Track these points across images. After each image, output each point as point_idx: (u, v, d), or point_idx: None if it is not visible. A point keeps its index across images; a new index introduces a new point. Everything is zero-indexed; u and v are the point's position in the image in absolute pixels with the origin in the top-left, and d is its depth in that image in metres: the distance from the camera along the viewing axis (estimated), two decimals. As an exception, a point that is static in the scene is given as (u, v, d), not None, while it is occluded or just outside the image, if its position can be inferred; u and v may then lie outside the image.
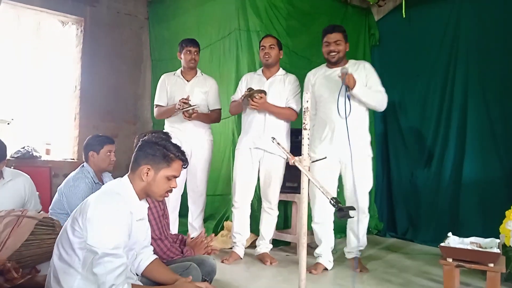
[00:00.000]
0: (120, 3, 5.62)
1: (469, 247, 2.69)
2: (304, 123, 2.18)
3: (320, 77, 3.42)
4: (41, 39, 5.19)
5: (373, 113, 5.03)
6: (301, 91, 3.55)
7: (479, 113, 4.29)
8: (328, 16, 4.85)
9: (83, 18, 5.31)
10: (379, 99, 3.30)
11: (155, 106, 3.90)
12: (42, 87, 5.19)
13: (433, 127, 4.67)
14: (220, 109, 3.88)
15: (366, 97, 3.23)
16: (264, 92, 3.43)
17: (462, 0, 4.50)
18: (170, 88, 3.83)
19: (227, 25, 4.60)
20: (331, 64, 3.38)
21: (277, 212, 3.68)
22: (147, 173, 1.95)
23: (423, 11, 4.83)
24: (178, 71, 3.90)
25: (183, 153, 2.04)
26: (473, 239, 2.84)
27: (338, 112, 3.12)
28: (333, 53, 3.31)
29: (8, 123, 4.73)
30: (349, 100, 3.13)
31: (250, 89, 3.43)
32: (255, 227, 3.85)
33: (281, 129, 3.57)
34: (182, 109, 3.56)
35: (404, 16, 4.08)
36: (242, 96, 3.48)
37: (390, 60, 5.10)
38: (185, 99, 3.57)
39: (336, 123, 3.24)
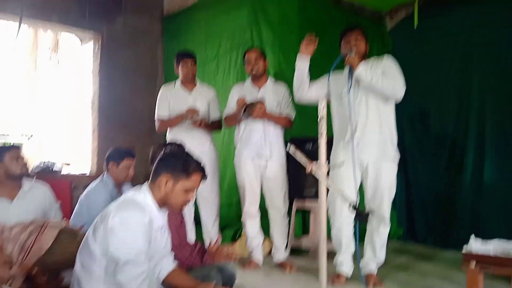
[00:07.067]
0: (136, 19, 5.72)
1: (492, 251, 2.65)
2: (320, 131, 2.22)
3: (341, 78, 3.25)
4: (60, 55, 5.30)
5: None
6: (292, 98, 3.55)
7: (497, 117, 4.26)
8: (340, 27, 4.80)
9: (100, 34, 5.42)
10: (389, 84, 3.04)
11: (156, 120, 3.86)
12: (61, 102, 5.29)
13: (451, 131, 4.64)
14: (221, 117, 3.86)
15: (370, 79, 3.00)
16: (263, 102, 3.45)
17: (475, 10, 4.49)
18: (172, 100, 3.82)
19: (238, 38, 4.63)
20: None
21: (287, 219, 3.69)
22: (166, 183, 1.98)
23: (435, 20, 4.81)
24: (178, 82, 3.89)
25: (202, 166, 2.09)
26: (496, 241, 2.80)
27: (349, 102, 3.03)
28: (353, 49, 3.10)
29: (28, 139, 4.83)
30: (351, 79, 3.08)
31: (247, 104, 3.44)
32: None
33: (280, 137, 3.64)
34: (192, 118, 3.60)
35: (415, 27, 4.04)
36: (240, 108, 3.45)
37: (404, 69, 5.05)
38: (196, 110, 3.62)
39: (358, 124, 3.08)
